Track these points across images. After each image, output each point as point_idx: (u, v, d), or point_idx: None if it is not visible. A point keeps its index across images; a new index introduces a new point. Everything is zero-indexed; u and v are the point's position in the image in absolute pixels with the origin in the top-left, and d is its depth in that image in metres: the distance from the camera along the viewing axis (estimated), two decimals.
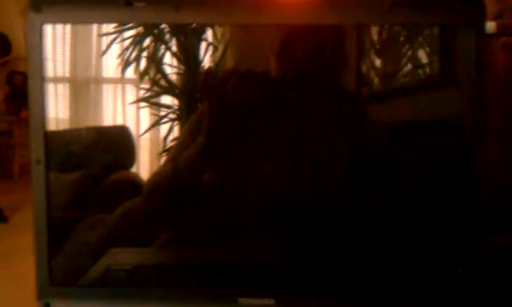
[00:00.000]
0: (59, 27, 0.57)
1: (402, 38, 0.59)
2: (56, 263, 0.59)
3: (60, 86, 0.59)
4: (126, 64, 0.59)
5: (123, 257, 0.61)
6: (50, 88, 0.56)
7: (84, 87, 0.60)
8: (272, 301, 0.59)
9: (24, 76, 3.53)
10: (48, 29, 0.55)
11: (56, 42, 0.57)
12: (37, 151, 0.56)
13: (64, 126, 0.60)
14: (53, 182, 0.58)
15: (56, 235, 0.59)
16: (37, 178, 0.57)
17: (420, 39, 0.59)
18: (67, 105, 0.60)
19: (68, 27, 0.58)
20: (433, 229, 0.59)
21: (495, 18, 0.89)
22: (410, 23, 0.57)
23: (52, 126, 0.57)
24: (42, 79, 0.56)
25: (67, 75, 0.60)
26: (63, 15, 0.55)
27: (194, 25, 0.58)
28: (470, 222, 0.58)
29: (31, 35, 0.55)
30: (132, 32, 0.58)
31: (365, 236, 0.60)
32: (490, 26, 0.81)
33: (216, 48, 0.58)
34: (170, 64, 0.59)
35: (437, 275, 0.59)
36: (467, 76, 0.56)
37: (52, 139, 0.57)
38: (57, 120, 0.59)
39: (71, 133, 0.61)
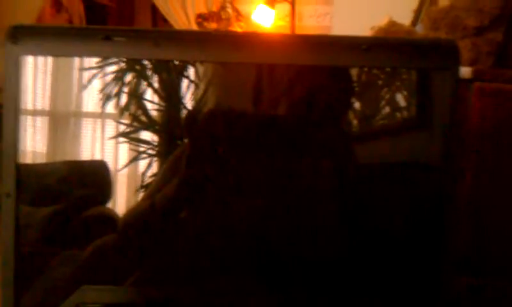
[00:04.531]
0: (36, 63, 0.56)
1: (379, 81, 0.60)
2: (23, 299, 0.57)
3: (37, 119, 0.58)
4: (106, 99, 0.58)
5: (94, 295, 0.59)
6: (26, 121, 0.56)
7: (62, 121, 0.60)
8: None
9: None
10: (25, 62, 0.55)
11: (36, 74, 0.57)
12: (7, 184, 0.55)
13: (39, 159, 0.59)
14: (25, 216, 0.56)
15: (25, 271, 0.57)
16: (6, 212, 0.55)
17: (397, 83, 0.59)
18: (44, 138, 0.59)
19: (46, 62, 0.57)
20: (405, 270, 0.59)
21: (470, 64, 0.91)
22: (386, 66, 0.58)
23: (26, 158, 0.56)
24: (17, 111, 0.55)
25: (45, 108, 0.59)
26: (40, 47, 0.55)
27: (176, 62, 0.58)
28: (442, 263, 0.58)
29: (8, 66, 0.55)
30: (113, 68, 0.58)
31: (340, 276, 0.59)
32: (465, 71, 0.82)
33: (197, 86, 0.58)
34: (151, 101, 0.58)
35: None
36: (442, 120, 0.57)
37: (25, 173, 0.56)
38: (32, 153, 0.58)
39: (45, 167, 0.60)
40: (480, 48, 0.93)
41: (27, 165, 0.57)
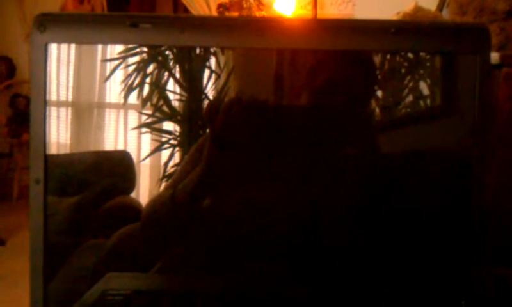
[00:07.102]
0: (63, 51, 0.57)
1: (406, 67, 0.59)
2: (51, 285, 0.58)
3: (62, 109, 0.59)
4: (129, 90, 0.58)
5: (120, 282, 0.60)
6: (52, 110, 0.56)
7: (86, 111, 0.60)
8: None
9: (27, 99, 3.58)
10: (52, 50, 0.55)
11: (60, 66, 0.57)
12: (37, 170, 0.56)
13: (63, 149, 0.60)
14: (51, 205, 0.57)
15: (52, 257, 0.57)
16: (35, 198, 0.56)
17: (425, 68, 0.58)
18: (68, 128, 0.59)
19: (72, 51, 0.58)
20: (437, 261, 0.58)
21: (497, 49, 0.89)
22: (415, 50, 0.57)
23: (52, 147, 0.57)
24: (45, 95, 0.55)
25: (70, 97, 0.60)
26: (68, 34, 0.55)
27: (198, 51, 0.57)
28: (475, 254, 0.57)
29: (35, 55, 0.55)
30: (135, 58, 0.58)
31: (367, 268, 0.59)
32: (493, 57, 0.81)
33: (219, 76, 0.58)
34: (173, 91, 0.58)
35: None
36: (472, 107, 0.55)
37: (51, 162, 0.56)
38: (57, 143, 0.58)
39: (70, 157, 0.60)
40: (508, 33, 0.91)
41: (52, 155, 0.57)
